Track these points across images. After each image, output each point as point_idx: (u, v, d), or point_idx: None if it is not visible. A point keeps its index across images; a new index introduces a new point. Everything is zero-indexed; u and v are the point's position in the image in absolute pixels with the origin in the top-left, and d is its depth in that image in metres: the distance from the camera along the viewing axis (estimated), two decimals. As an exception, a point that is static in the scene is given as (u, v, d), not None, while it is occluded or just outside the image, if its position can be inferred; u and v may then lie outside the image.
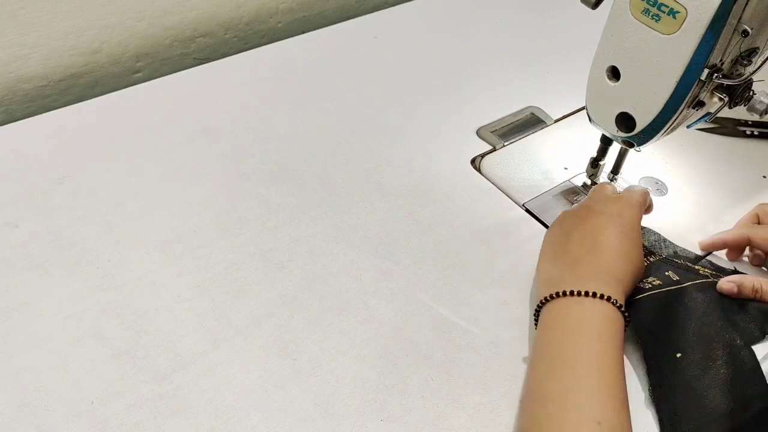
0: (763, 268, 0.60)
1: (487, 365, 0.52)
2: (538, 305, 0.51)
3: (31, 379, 0.49)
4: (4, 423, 0.46)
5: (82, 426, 0.47)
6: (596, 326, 0.47)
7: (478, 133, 0.74)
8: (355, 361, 0.51)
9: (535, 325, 0.51)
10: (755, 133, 0.74)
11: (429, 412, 0.49)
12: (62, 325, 0.52)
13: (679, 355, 0.50)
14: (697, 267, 0.58)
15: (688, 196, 0.67)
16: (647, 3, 0.50)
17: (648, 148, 0.61)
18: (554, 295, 0.49)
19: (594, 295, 0.48)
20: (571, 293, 0.48)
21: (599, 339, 0.46)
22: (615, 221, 0.53)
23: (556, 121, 0.76)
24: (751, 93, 0.54)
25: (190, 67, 0.80)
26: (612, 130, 0.59)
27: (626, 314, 0.49)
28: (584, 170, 0.67)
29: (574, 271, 0.50)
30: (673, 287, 0.54)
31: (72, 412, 0.47)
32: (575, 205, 0.59)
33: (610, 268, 0.51)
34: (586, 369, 0.45)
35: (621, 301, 0.49)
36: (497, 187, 0.67)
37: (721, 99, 0.54)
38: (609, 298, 0.48)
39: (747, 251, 0.60)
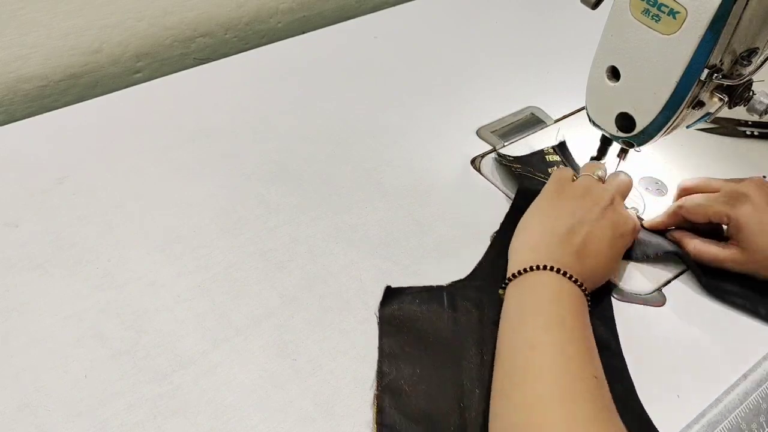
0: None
1: (487, 365, 0.52)
2: (520, 271, 0.52)
3: (31, 379, 0.49)
4: (4, 423, 0.46)
5: (82, 426, 0.47)
6: (580, 301, 0.50)
7: (478, 133, 0.74)
8: (355, 361, 0.51)
9: (504, 287, 0.53)
10: (755, 133, 0.74)
11: (429, 412, 0.49)
12: (62, 325, 0.52)
13: None
14: None
15: (688, 196, 0.67)
16: (647, 3, 0.50)
17: (648, 148, 0.61)
18: (540, 267, 0.51)
19: (570, 277, 0.51)
20: (557, 271, 0.51)
21: (583, 312, 0.50)
22: (615, 238, 0.55)
23: (556, 121, 0.76)
24: (751, 93, 0.54)
25: (190, 67, 0.80)
26: (612, 130, 0.59)
27: (589, 300, 0.52)
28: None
29: (564, 257, 0.52)
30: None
31: (72, 412, 0.47)
32: (588, 179, 0.59)
33: (595, 274, 0.54)
34: (578, 330, 0.47)
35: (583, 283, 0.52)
36: (497, 187, 0.67)
37: (721, 99, 0.54)
38: (582, 286, 0.51)
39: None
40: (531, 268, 0.51)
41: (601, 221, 0.55)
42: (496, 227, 0.63)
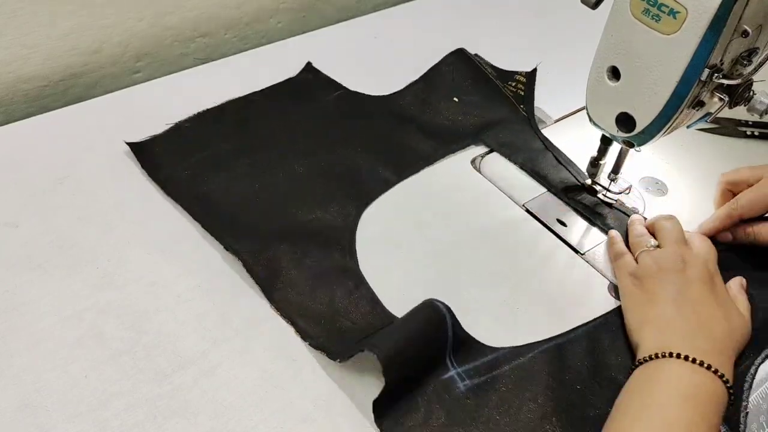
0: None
1: (487, 365, 0.52)
2: (645, 358, 0.48)
3: (31, 379, 0.49)
4: (4, 423, 0.46)
5: (82, 426, 0.47)
6: (705, 397, 0.45)
7: (478, 133, 0.73)
8: (354, 361, 0.51)
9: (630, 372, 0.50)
10: (755, 133, 0.74)
11: (429, 412, 0.49)
12: (62, 325, 0.52)
13: None
14: None
15: (688, 196, 0.67)
16: (647, 3, 0.50)
17: (648, 148, 0.61)
18: (666, 355, 0.47)
19: (708, 367, 0.46)
20: (686, 358, 0.47)
21: (704, 410, 0.45)
22: (713, 292, 0.52)
23: (556, 121, 0.76)
24: (751, 93, 0.54)
25: (190, 67, 0.80)
26: (612, 130, 0.59)
27: (732, 394, 0.47)
28: (584, 170, 0.67)
29: (693, 340, 0.48)
30: None
31: (72, 412, 0.47)
32: (649, 254, 0.56)
33: (724, 344, 0.49)
34: (682, 429, 0.43)
35: (730, 378, 0.47)
36: (497, 187, 0.67)
37: (721, 99, 0.54)
38: (723, 377, 0.46)
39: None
40: (657, 356, 0.47)
41: (691, 283, 0.52)
42: (497, 227, 0.63)
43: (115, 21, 0.77)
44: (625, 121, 0.57)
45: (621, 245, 0.59)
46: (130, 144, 0.65)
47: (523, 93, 0.76)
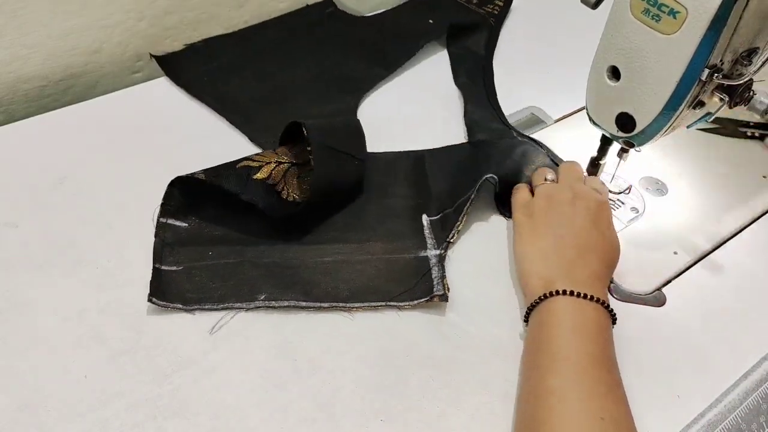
0: None
1: (487, 365, 0.52)
2: (534, 302, 0.51)
3: (31, 379, 0.49)
4: (4, 423, 0.46)
5: (82, 426, 0.47)
6: (594, 326, 0.49)
7: (478, 133, 0.73)
8: (355, 361, 0.51)
9: (526, 320, 0.52)
10: (756, 134, 0.74)
11: (429, 412, 0.49)
12: (62, 325, 0.52)
13: None
14: None
15: (688, 196, 0.67)
16: (647, 3, 0.50)
17: (648, 148, 0.61)
18: (552, 293, 0.50)
19: (591, 298, 0.50)
20: (570, 293, 0.50)
21: (597, 338, 0.48)
22: (596, 222, 0.56)
23: (556, 121, 0.76)
24: (751, 93, 0.54)
25: (190, 67, 0.80)
26: (612, 130, 0.59)
27: (614, 314, 0.51)
28: (584, 170, 0.67)
29: (570, 273, 0.52)
30: None
31: (72, 412, 0.47)
32: (544, 187, 0.60)
33: (599, 271, 0.53)
34: (587, 366, 0.46)
35: (608, 301, 0.51)
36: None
37: (721, 99, 0.54)
38: (603, 303, 0.50)
39: None
40: (545, 296, 0.51)
41: (576, 213, 0.56)
42: (497, 228, 0.63)
43: (115, 21, 0.77)
44: (625, 121, 0.57)
45: (522, 184, 0.63)
46: (153, 55, 0.78)
47: (497, 12, 0.91)
